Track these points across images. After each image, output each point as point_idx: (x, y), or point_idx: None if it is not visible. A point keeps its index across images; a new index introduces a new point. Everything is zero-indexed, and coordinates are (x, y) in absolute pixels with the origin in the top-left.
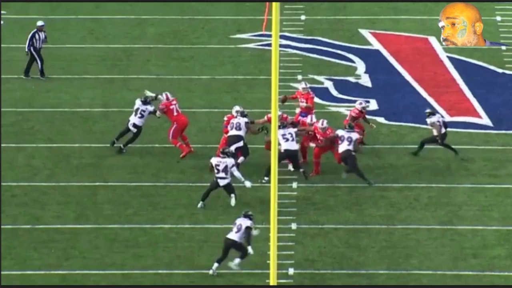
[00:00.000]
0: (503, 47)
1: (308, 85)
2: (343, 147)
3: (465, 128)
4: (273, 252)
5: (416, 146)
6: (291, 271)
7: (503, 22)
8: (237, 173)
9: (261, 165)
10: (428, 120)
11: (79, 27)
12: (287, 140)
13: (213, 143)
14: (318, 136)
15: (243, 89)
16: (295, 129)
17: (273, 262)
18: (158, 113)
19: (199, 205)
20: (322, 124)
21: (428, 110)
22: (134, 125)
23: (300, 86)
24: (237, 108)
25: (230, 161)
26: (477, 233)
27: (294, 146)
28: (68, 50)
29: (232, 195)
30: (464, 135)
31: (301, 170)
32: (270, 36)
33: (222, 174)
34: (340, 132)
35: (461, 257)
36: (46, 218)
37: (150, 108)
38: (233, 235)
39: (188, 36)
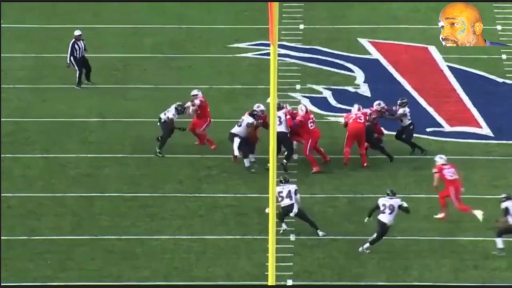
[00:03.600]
0: (504, 56)
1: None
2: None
3: (465, 138)
4: (271, 264)
5: (416, 156)
6: (289, 282)
7: (504, 31)
8: (298, 197)
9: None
10: (401, 110)
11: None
12: (280, 124)
13: (211, 154)
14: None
15: (241, 99)
16: (283, 110)
17: (271, 273)
18: (192, 108)
19: (282, 228)
20: (302, 110)
21: (404, 100)
22: (159, 120)
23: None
24: (261, 107)
25: (293, 186)
26: (477, 245)
27: (282, 128)
28: (65, 60)
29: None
30: (464, 145)
31: (284, 161)
32: (268, 45)
33: (287, 201)
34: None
35: (461, 268)
36: (42, 229)
37: (171, 114)
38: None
39: (186, 46)
